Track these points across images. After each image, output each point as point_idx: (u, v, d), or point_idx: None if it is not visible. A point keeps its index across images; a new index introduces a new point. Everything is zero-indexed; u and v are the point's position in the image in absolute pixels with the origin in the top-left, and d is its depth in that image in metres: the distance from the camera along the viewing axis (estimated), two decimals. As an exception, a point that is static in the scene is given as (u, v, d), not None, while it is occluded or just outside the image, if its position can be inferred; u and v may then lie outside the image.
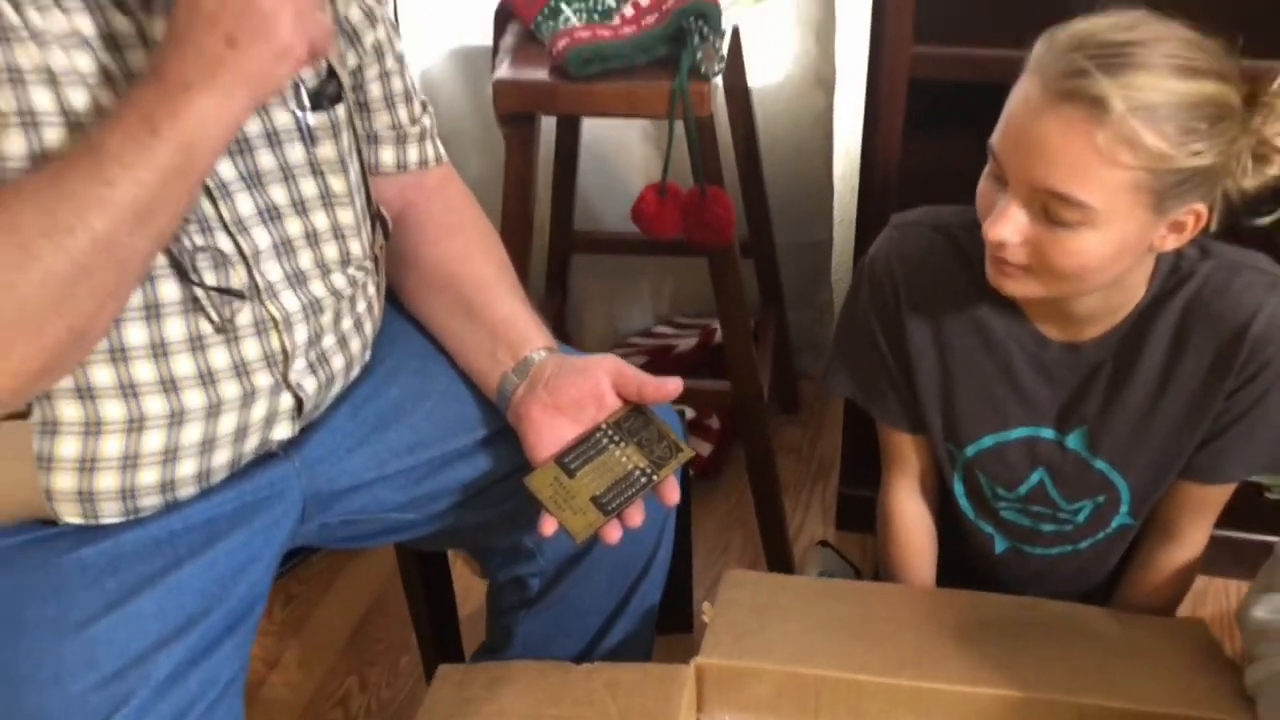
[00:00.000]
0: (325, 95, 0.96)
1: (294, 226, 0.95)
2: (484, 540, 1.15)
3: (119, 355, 0.86)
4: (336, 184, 0.97)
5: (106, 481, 0.88)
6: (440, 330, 1.09)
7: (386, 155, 1.08)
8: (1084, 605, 1.19)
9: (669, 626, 1.30)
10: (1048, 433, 1.17)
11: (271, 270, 0.94)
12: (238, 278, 0.91)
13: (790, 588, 1.23)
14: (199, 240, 0.88)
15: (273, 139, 0.92)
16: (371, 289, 1.05)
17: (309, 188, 0.96)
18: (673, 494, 0.99)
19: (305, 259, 0.96)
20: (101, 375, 0.86)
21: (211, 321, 0.90)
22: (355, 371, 1.05)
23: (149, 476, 0.90)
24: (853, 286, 1.22)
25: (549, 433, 0.99)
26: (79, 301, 0.78)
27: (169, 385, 0.89)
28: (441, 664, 1.13)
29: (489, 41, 1.52)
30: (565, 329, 2.00)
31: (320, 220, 0.97)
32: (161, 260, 0.86)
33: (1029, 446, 1.18)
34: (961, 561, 1.30)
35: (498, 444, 1.06)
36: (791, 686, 1.08)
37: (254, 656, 1.24)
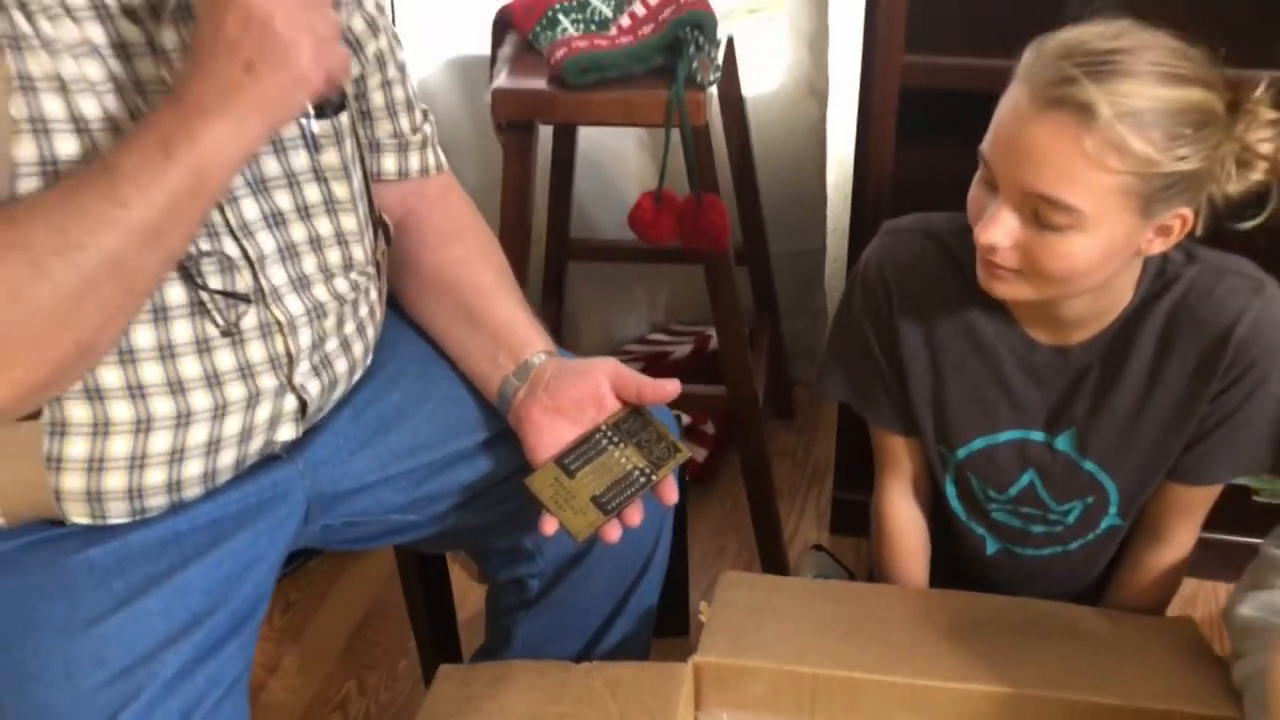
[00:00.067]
0: (329, 103, 0.97)
1: (298, 232, 0.96)
2: (484, 541, 1.16)
3: (127, 357, 0.87)
4: (340, 190, 0.99)
5: (114, 481, 0.89)
6: (441, 335, 1.11)
7: (388, 163, 1.10)
8: (1075, 605, 1.20)
9: (665, 630, 1.30)
10: (1037, 435, 1.18)
11: (276, 274, 0.95)
12: (243, 282, 0.92)
13: (786, 589, 1.24)
14: (205, 245, 0.89)
15: (278, 145, 0.94)
16: (374, 294, 1.06)
17: (313, 194, 0.97)
18: (671, 494, 1.00)
19: (309, 264, 0.98)
20: (110, 376, 0.87)
21: (217, 324, 0.91)
22: (358, 375, 1.06)
23: (156, 477, 0.91)
24: (846, 292, 1.23)
25: (549, 434, 1.00)
26: (86, 316, 0.79)
27: (176, 387, 0.90)
28: (442, 664, 1.13)
29: (487, 51, 1.54)
30: (561, 336, 2.00)
31: (324, 226, 0.98)
32: None
33: (1019, 449, 1.19)
34: (954, 563, 1.31)
35: (498, 446, 1.08)
36: (788, 684, 1.09)
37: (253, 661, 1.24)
